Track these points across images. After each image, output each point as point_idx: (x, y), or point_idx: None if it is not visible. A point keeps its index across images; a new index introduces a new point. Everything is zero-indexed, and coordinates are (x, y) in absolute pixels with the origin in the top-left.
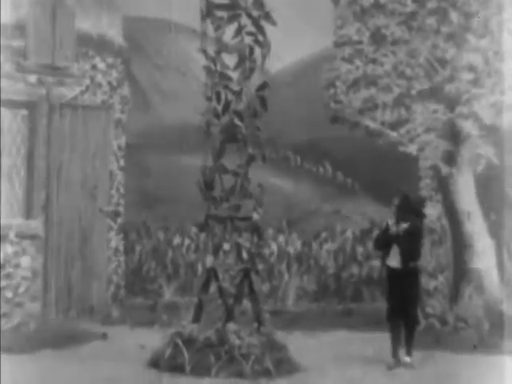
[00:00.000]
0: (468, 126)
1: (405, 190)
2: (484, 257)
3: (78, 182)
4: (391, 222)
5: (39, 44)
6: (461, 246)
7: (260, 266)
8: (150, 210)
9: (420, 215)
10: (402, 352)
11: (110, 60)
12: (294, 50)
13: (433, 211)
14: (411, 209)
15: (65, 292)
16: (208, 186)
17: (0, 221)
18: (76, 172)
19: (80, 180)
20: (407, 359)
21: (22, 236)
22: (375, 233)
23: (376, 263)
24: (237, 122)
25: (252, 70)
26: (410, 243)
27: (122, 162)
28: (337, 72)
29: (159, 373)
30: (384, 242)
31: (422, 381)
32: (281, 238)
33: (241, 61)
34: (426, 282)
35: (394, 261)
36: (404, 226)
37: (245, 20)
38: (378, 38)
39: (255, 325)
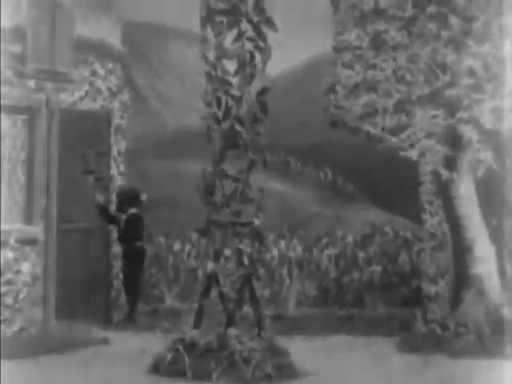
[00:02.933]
0: (468, 131)
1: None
2: (485, 262)
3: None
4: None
5: (38, 49)
6: (461, 251)
7: (261, 271)
8: (150, 215)
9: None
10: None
11: (109, 65)
12: (294, 56)
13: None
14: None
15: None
16: (209, 191)
17: (0, 226)
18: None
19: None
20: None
21: (22, 242)
22: (375, 237)
23: (376, 268)
24: (237, 127)
25: (252, 76)
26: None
27: (122, 168)
28: (337, 77)
29: (160, 378)
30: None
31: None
32: (282, 244)
33: (241, 66)
34: (427, 287)
35: None
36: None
37: (245, 25)
38: (377, 43)
39: (256, 330)
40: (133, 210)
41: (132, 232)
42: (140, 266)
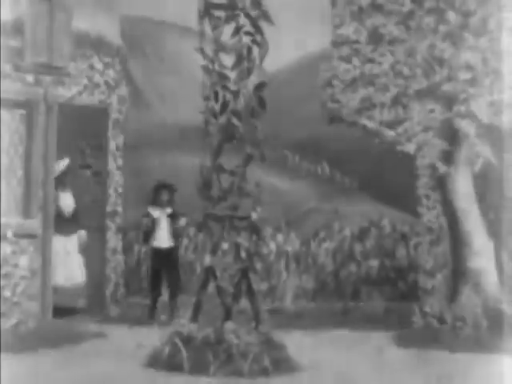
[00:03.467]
0: (466, 126)
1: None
2: (482, 256)
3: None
4: (153, 211)
5: (36, 44)
6: (459, 244)
7: (258, 265)
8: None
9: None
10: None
11: (107, 60)
12: (292, 50)
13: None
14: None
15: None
16: (206, 185)
17: None
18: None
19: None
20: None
21: (20, 235)
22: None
23: (374, 262)
24: (235, 121)
25: (250, 70)
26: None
27: (119, 162)
28: (334, 71)
29: (157, 371)
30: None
31: (420, 380)
32: (279, 237)
33: (239, 60)
34: (424, 281)
35: (164, 242)
36: (168, 210)
37: (243, 20)
38: (375, 37)
39: (253, 324)
40: (169, 210)
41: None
42: (177, 266)
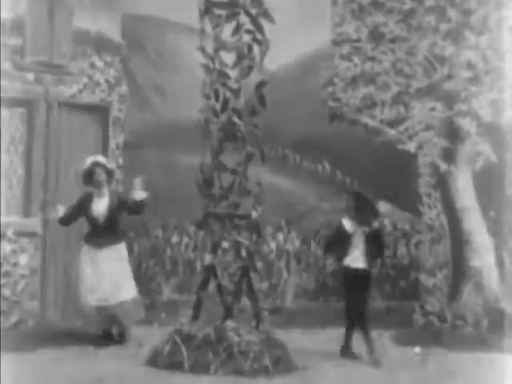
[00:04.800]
0: (466, 124)
1: (356, 190)
2: (483, 254)
3: (76, 180)
4: (346, 221)
5: (37, 42)
6: (460, 243)
7: (259, 264)
8: (148, 207)
9: (375, 215)
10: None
11: (108, 58)
12: (292, 48)
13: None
14: (367, 208)
15: (63, 290)
16: (207, 183)
17: None
18: (74, 170)
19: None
20: (374, 356)
21: (20, 234)
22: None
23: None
24: (235, 119)
25: (250, 68)
26: (373, 244)
27: (120, 160)
28: (335, 70)
29: (158, 370)
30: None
31: (420, 379)
32: (280, 236)
33: (239, 59)
34: (425, 280)
35: (357, 261)
36: (366, 229)
37: (243, 18)
38: (376, 35)
39: (254, 322)
40: (375, 225)
41: (374, 250)
42: (369, 290)
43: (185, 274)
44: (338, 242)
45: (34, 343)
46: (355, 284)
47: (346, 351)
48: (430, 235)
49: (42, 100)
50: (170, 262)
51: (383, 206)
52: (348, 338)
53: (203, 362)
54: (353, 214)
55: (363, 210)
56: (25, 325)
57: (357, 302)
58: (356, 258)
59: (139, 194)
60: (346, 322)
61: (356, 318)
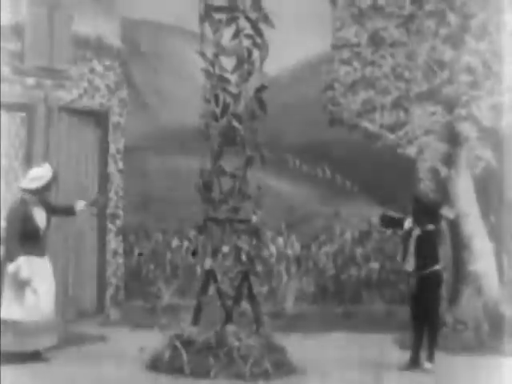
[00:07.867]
0: (466, 128)
1: (418, 193)
2: (483, 258)
3: (76, 185)
4: (408, 222)
5: (37, 47)
6: (460, 247)
7: (259, 268)
8: (148, 212)
9: (436, 219)
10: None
11: (107, 63)
12: (292, 53)
13: (451, 214)
14: (427, 212)
15: (63, 294)
16: (206, 188)
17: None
18: (74, 174)
19: (78, 182)
20: (428, 365)
21: None
22: (373, 234)
23: (375, 265)
24: (235, 124)
25: (250, 73)
26: (425, 248)
27: (120, 165)
28: (335, 74)
29: (158, 375)
30: (392, 225)
31: (420, 382)
32: (280, 241)
33: (239, 63)
34: None
35: (408, 265)
36: (417, 232)
37: (243, 22)
38: (376, 40)
39: (254, 327)
40: (430, 227)
41: (424, 252)
42: (436, 293)
43: (185, 278)
44: (398, 224)
45: None
46: (419, 287)
47: (416, 363)
48: None
49: (42, 105)
50: (170, 266)
51: (447, 212)
52: (417, 347)
53: (204, 366)
54: (413, 216)
55: (419, 213)
56: None
57: (417, 307)
58: (408, 261)
59: (80, 204)
60: (414, 330)
61: (426, 324)
